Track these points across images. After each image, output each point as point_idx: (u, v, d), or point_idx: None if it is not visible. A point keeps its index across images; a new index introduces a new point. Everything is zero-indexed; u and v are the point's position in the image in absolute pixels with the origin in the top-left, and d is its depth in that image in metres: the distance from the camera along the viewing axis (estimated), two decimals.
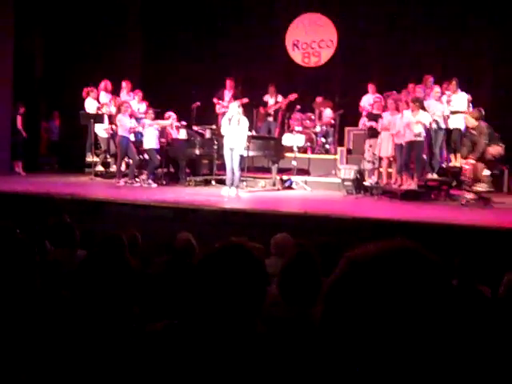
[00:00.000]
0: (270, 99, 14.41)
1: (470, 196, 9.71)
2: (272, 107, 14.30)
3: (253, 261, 1.92)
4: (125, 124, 11.97)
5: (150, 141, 12.02)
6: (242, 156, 10.88)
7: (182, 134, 12.90)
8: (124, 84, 13.76)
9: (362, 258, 1.14)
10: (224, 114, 13.75)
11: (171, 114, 12.67)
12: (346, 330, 1.11)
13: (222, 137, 11.20)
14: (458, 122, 11.05)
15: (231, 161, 10.82)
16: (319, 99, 14.36)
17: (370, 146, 11.40)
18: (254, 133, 12.66)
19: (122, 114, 12.13)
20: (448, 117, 11.21)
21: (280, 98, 14.28)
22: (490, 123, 11.12)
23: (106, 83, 13.64)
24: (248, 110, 12.72)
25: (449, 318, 1.10)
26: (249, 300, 1.88)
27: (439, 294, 1.11)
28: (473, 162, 9.62)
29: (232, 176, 10.89)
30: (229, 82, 14.09)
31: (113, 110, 13.09)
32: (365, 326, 1.09)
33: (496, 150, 9.64)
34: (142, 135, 12.38)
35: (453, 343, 1.11)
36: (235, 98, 13.69)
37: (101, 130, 13.04)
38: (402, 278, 1.09)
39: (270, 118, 14.32)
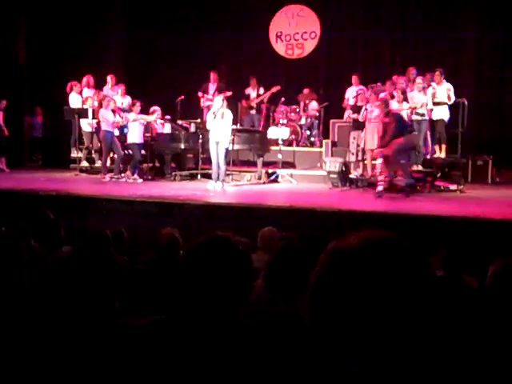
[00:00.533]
0: (252, 92, 14.38)
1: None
2: (254, 100, 14.27)
3: (238, 254, 1.93)
4: (107, 118, 11.91)
5: (134, 135, 11.96)
6: (227, 150, 10.88)
7: (167, 129, 12.87)
8: (109, 78, 13.68)
9: (344, 250, 1.14)
10: (209, 107, 13.76)
11: (156, 109, 12.60)
12: (333, 322, 1.12)
13: (207, 131, 11.20)
14: (441, 113, 11.04)
15: (217, 155, 10.82)
16: (306, 91, 14.33)
17: (354, 138, 11.40)
18: (238, 126, 12.65)
19: (104, 108, 12.07)
20: (431, 109, 11.21)
21: (262, 90, 14.26)
22: (472, 114, 11.24)
23: (88, 78, 13.57)
24: (232, 103, 12.70)
25: (433, 307, 1.11)
26: (234, 294, 1.88)
27: (423, 283, 1.12)
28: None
29: (218, 170, 10.90)
30: (213, 75, 14.04)
31: (96, 104, 13.03)
32: (352, 318, 1.09)
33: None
34: (127, 129, 12.32)
35: (438, 334, 1.12)
36: (219, 91, 13.66)
37: (85, 124, 12.97)
38: (386, 268, 1.10)
39: (253, 111, 14.30)
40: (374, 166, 11.04)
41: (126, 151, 12.36)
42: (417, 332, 1.09)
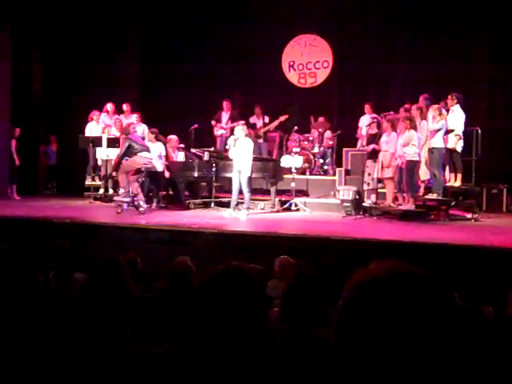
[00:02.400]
0: (257, 121, 14.47)
1: None
2: (261, 129, 14.34)
3: (253, 284, 1.91)
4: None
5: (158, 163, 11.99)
6: (249, 177, 11.06)
7: (180, 157, 12.94)
8: (125, 107, 13.82)
9: (370, 282, 1.14)
10: (222, 135, 13.87)
11: (174, 137, 12.70)
12: (360, 352, 1.11)
13: (221, 159, 11.32)
14: (451, 142, 10.87)
15: (239, 183, 10.97)
16: (321, 119, 14.41)
17: (367, 166, 11.37)
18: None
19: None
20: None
21: (267, 119, 14.34)
22: (486, 139, 11.21)
23: (109, 106, 13.75)
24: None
25: (455, 336, 1.10)
26: (249, 323, 1.87)
27: (448, 315, 1.11)
28: None
29: (237, 198, 11.09)
30: (226, 104, 14.15)
31: (114, 131, 13.14)
32: (378, 349, 1.09)
33: None
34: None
35: (460, 364, 1.11)
36: (232, 119, 13.75)
37: (101, 152, 13.04)
38: (412, 300, 1.10)
39: (260, 140, 14.35)
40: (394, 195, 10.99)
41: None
42: (443, 364, 1.08)
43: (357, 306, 1.13)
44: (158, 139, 12.13)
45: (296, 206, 11.92)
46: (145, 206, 11.10)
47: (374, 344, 1.09)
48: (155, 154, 11.79)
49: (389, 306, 1.10)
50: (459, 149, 10.79)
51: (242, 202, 11.30)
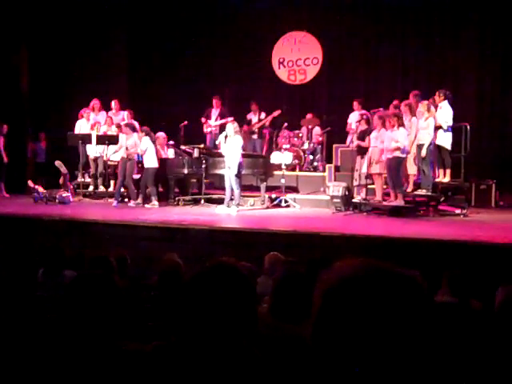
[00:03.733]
0: (253, 117, 14.47)
1: None
2: (256, 125, 14.34)
3: (242, 280, 1.91)
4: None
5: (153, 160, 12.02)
6: (238, 174, 11.07)
7: (170, 154, 12.91)
8: (113, 104, 13.76)
9: (335, 284, 1.15)
10: (211, 132, 13.87)
11: (161, 134, 12.67)
12: (335, 348, 1.12)
13: (211, 156, 11.33)
14: (441, 138, 10.89)
15: (229, 179, 10.98)
16: (309, 116, 14.41)
17: (356, 163, 11.39)
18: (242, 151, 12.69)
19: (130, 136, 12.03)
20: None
21: (263, 115, 14.35)
22: (475, 135, 11.24)
23: (94, 102, 13.67)
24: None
25: (430, 330, 1.11)
26: (239, 320, 1.87)
27: (418, 308, 1.11)
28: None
29: (230, 194, 11.09)
30: (215, 101, 14.15)
31: (103, 128, 13.09)
32: (352, 344, 1.09)
33: None
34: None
35: (439, 357, 1.11)
36: (222, 116, 13.75)
37: (91, 150, 13.00)
38: (381, 296, 1.11)
39: (255, 136, 14.37)
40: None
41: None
42: (414, 354, 1.09)
43: (329, 310, 1.13)
44: (150, 136, 12.05)
45: (286, 202, 11.93)
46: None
47: (352, 345, 1.10)
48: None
49: (360, 304, 1.10)
50: (448, 145, 10.82)
51: (231, 199, 11.31)
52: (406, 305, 1.11)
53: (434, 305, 1.16)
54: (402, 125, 10.40)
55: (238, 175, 11.12)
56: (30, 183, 13.03)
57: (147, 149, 11.86)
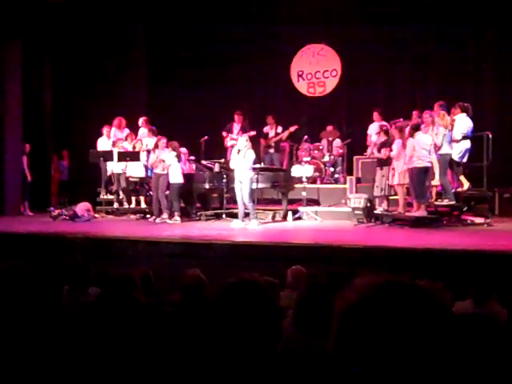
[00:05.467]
0: (270, 131, 14.51)
1: None
2: (273, 139, 14.37)
3: (264, 295, 1.92)
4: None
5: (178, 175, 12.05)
6: (250, 188, 10.93)
7: (191, 169, 12.97)
8: (141, 120, 13.78)
9: (354, 304, 1.16)
10: (233, 146, 13.89)
11: (183, 150, 12.72)
12: (357, 362, 1.13)
13: (231, 170, 11.31)
14: (455, 149, 10.83)
15: (241, 194, 10.89)
16: (329, 128, 14.42)
17: (383, 176, 11.28)
18: (262, 165, 12.71)
19: (161, 150, 12.07)
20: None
21: (280, 128, 14.38)
22: (497, 144, 11.17)
23: (120, 120, 13.78)
24: (254, 143, 12.82)
25: (450, 343, 1.11)
26: (262, 336, 1.88)
27: (438, 325, 1.12)
28: None
29: (243, 208, 10.98)
30: (237, 116, 14.18)
31: (126, 145, 13.17)
32: (373, 359, 1.10)
33: None
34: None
35: (461, 371, 1.11)
36: (243, 130, 13.78)
37: (115, 167, 13.06)
38: (403, 315, 1.11)
39: (272, 150, 14.38)
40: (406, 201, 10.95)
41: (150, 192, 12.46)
42: (435, 368, 1.09)
43: (346, 330, 1.15)
44: (176, 151, 12.02)
45: (307, 215, 11.91)
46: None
47: (371, 364, 1.11)
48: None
49: (378, 323, 1.11)
50: (455, 155, 10.74)
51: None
52: (426, 322, 1.11)
53: (455, 320, 1.16)
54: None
55: (250, 189, 10.99)
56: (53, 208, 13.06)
57: (171, 164, 11.84)
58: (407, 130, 10.56)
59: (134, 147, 13.00)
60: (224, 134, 14.27)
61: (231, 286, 1.93)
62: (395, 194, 11.15)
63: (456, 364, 1.11)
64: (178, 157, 11.96)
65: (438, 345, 1.10)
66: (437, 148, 10.52)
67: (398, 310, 1.12)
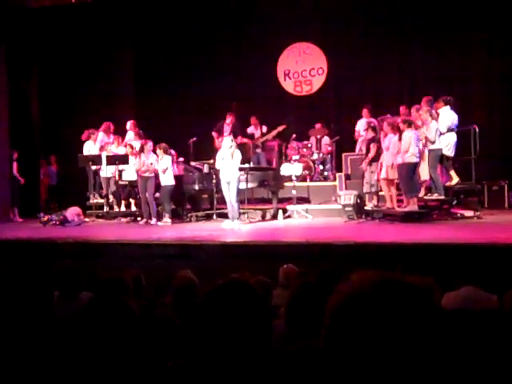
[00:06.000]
0: (255, 131, 14.49)
1: None
2: (259, 139, 14.36)
3: (254, 296, 1.92)
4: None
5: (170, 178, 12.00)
6: (237, 188, 10.90)
7: (181, 170, 12.95)
8: (129, 124, 13.74)
9: (353, 297, 1.16)
10: None
11: (171, 151, 12.69)
12: (348, 361, 1.13)
13: (218, 170, 11.28)
14: (442, 142, 10.87)
15: (229, 194, 10.87)
16: (318, 126, 14.44)
17: (372, 172, 11.33)
18: (251, 165, 12.71)
19: (147, 153, 12.01)
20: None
21: (264, 128, 14.37)
22: (484, 140, 11.22)
23: (108, 124, 13.75)
24: (241, 144, 12.88)
25: (440, 340, 1.12)
26: (253, 336, 1.88)
27: (429, 321, 1.12)
28: None
29: (232, 209, 10.93)
30: (229, 117, 14.10)
31: (113, 149, 13.14)
32: (365, 356, 1.11)
33: None
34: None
35: (451, 366, 1.12)
36: (234, 135, 13.68)
37: (103, 170, 13.03)
38: (399, 311, 1.12)
39: (259, 150, 14.37)
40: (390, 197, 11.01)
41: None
42: (425, 365, 1.10)
43: (342, 324, 1.15)
44: (167, 153, 11.98)
45: (298, 213, 11.93)
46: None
47: (362, 360, 1.11)
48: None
49: (373, 320, 1.11)
50: (444, 149, 10.77)
51: (244, 213, 11.30)
52: (416, 318, 1.12)
53: (445, 315, 1.17)
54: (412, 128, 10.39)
55: (238, 190, 10.94)
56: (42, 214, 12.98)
57: (168, 167, 11.80)
58: (400, 125, 10.54)
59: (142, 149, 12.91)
60: (214, 134, 14.22)
61: (220, 286, 1.93)
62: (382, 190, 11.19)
63: (446, 360, 1.12)
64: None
65: (428, 341, 1.11)
66: (430, 143, 10.55)
67: (389, 307, 1.12)
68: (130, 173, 12.68)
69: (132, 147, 12.64)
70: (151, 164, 11.76)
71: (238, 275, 1.96)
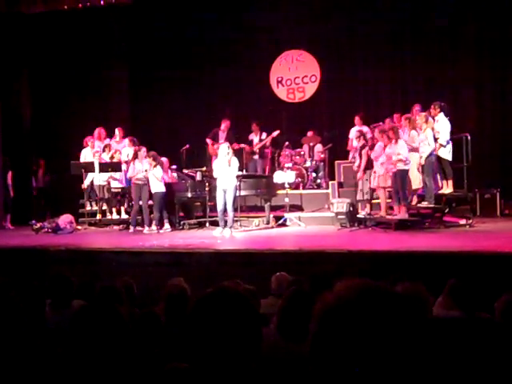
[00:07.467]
0: (254, 137, 14.49)
1: None
2: (257, 145, 14.37)
3: (243, 304, 1.92)
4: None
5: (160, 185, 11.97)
6: (234, 196, 10.87)
7: (172, 178, 12.93)
8: (117, 131, 13.77)
9: (331, 308, 1.17)
10: (218, 154, 13.82)
11: (164, 159, 12.68)
12: (334, 370, 1.14)
13: (213, 178, 11.24)
14: (438, 150, 10.92)
15: (224, 202, 10.82)
16: (310, 133, 14.46)
17: (366, 179, 11.37)
18: (245, 172, 12.71)
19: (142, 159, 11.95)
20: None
21: (264, 135, 14.37)
22: (476, 144, 11.30)
23: (99, 130, 13.73)
24: (238, 150, 12.85)
25: (425, 348, 1.12)
26: (243, 343, 1.88)
27: (414, 330, 1.13)
28: None
29: (223, 217, 10.90)
30: (224, 123, 14.07)
31: (104, 156, 13.11)
32: (348, 371, 1.12)
33: None
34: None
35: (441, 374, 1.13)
36: (230, 142, 13.66)
37: (97, 178, 12.99)
38: (384, 319, 1.12)
39: (256, 157, 14.38)
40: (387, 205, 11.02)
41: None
42: (408, 372, 1.11)
43: (330, 332, 1.16)
44: (157, 161, 11.93)
45: (291, 221, 11.93)
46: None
47: (347, 366, 1.12)
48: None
49: (358, 327, 1.12)
50: (447, 156, 10.84)
51: (236, 220, 11.28)
52: (399, 326, 1.12)
53: (431, 324, 1.18)
54: (398, 137, 10.47)
55: (235, 197, 10.92)
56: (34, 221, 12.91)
57: (159, 177, 11.76)
58: (390, 134, 10.57)
59: (112, 157, 12.94)
60: (208, 140, 14.16)
61: (208, 294, 1.93)
62: (377, 198, 11.21)
63: (431, 368, 1.12)
64: (161, 166, 11.94)
65: (411, 349, 1.11)
66: (432, 150, 10.61)
67: (373, 315, 1.13)
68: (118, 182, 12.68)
69: (121, 154, 12.63)
70: (145, 171, 11.74)
71: (229, 283, 1.97)
